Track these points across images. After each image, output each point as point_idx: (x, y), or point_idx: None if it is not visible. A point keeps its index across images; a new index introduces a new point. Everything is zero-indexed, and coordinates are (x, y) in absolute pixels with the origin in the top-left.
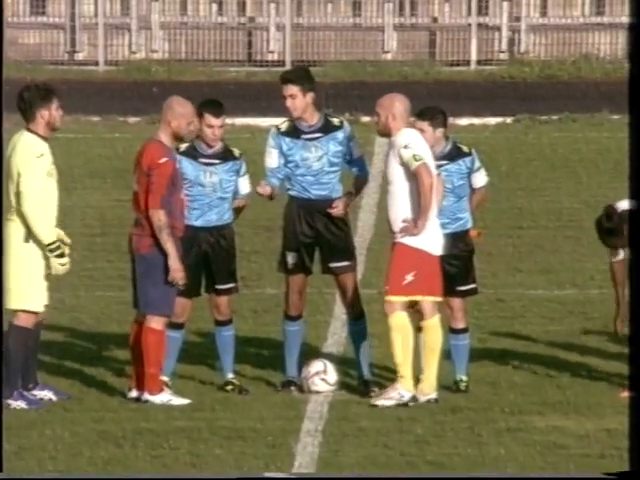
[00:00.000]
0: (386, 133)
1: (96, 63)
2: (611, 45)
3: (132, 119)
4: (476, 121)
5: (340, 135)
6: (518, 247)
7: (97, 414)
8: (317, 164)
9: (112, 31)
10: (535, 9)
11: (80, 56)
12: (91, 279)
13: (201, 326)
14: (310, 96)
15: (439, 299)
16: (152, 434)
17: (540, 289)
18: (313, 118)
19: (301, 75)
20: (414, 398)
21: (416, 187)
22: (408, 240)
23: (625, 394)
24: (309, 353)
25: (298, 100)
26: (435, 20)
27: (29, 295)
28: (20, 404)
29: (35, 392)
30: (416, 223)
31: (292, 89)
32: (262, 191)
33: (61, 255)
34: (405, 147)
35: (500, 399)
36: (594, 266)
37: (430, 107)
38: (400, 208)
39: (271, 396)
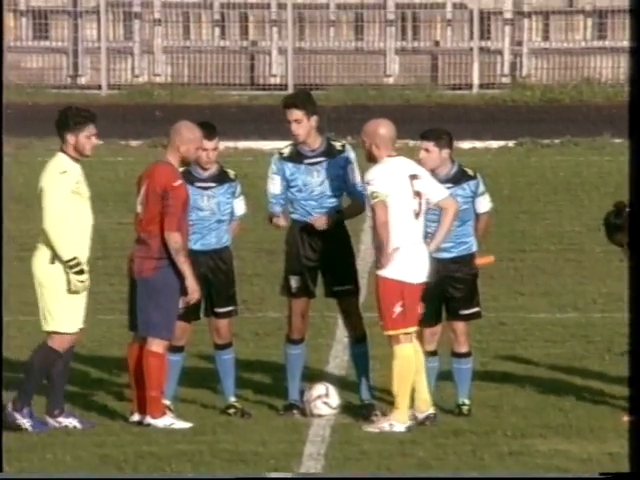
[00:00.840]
0: (372, 160)
1: (99, 87)
2: (613, 69)
3: (134, 142)
4: (478, 144)
5: (342, 159)
6: (520, 270)
7: (99, 438)
8: (319, 188)
9: (115, 55)
10: (537, 33)
11: (83, 80)
12: (92, 302)
13: (202, 349)
14: (314, 119)
15: (415, 328)
16: (154, 458)
17: (542, 312)
18: (316, 142)
19: (305, 99)
20: (409, 429)
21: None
22: (387, 272)
23: (627, 418)
24: (311, 376)
25: (303, 124)
26: (437, 44)
27: (61, 317)
28: (25, 423)
29: (60, 419)
30: (379, 260)
31: (297, 114)
32: (281, 223)
33: (80, 272)
34: (367, 183)
35: (502, 422)
36: (596, 289)
37: (435, 128)
38: (375, 239)
39: (273, 419)
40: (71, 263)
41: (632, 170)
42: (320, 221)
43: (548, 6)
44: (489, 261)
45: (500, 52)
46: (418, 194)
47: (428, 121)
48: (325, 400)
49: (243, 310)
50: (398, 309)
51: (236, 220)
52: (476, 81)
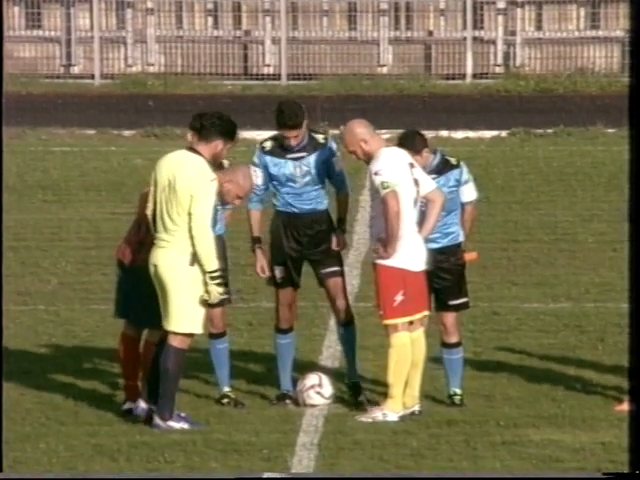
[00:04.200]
0: (370, 159)
1: (92, 76)
2: (606, 59)
3: (127, 132)
4: (471, 134)
5: (325, 152)
6: (513, 260)
7: (92, 428)
8: (302, 181)
9: (108, 45)
10: (530, 23)
11: (76, 69)
12: (86, 292)
13: (195, 339)
14: (305, 124)
15: (426, 313)
16: (147, 447)
17: (535, 302)
18: None
19: (301, 116)
20: (402, 418)
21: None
22: (388, 261)
23: (620, 407)
24: (304, 366)
25: (300, 135)
26: (430, 34)
27: (190, 318)
28: (183, 426)
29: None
30: (385, 249)
31: (296, 132)
32: (260, 274)
33: (221, 284)
34: (376, 174)
35: (495, 412)
36: (589, 279)
37: (405, 135)
38: (377, 228)
39: (266, 409)
40: (215, 274)
41: (632, 162)
42: (341, 246)
43: None
44: (473, 257)
45: (493, 42)
46: (416, 182)
47: (422, 111)
48: (318, 390)
49: (237, 300)
50: (399, 297)
51: (228, 209)
52: (469, 71)
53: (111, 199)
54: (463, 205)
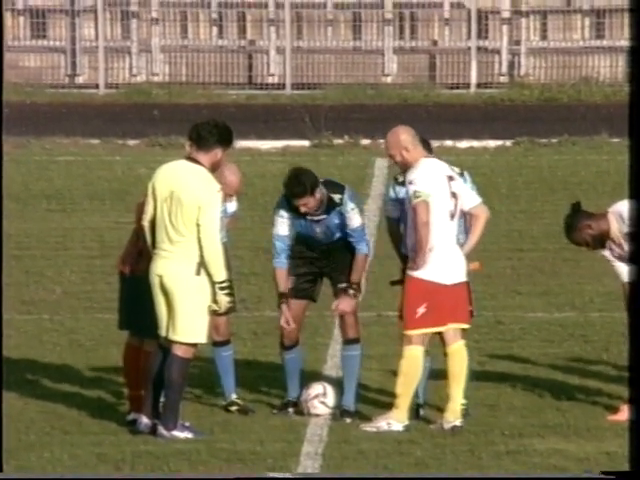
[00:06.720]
0: (408, 167)
1: (96, 86)
2: (611, 68)
3: (132, 142)
4: (476, 144)
5: (341, 210)
6: (517, 270)
7: (96, 437)
8: (322, 236)
9: (112, 54)
10: (535, 32)
11: (80, 79)
12: (90, 301)
13: (200, 348)
14: (318, 191)
15: (464, 326)
16: (151, 457)
17: (539, 312)
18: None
19: (307, 185)
20: (406, 427)
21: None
22: (417, 273)
23: (613, 417)
24: (308, 376)
25: (310, 203)
26: (435, 43)
27: (196, 328)
28: (187, 435)
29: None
30: (415, 260)
31: (303, 200)
32: (284, 325)
33: (230, 294)
34: (410, 183)
35: (500, 422)
36: (593, 289)
37: None
38: (412, 240)
39: (271, 419)
40: (224, 284)
41: (632, 170)
42: (345, 305)
43: (546, 5)
44: (475, 267)
45: (498, 51)
46: (454, 195)
47: (426, 120)
48: (322, 399)
49: (241, 309)
50: (422, 310)
51: (228, 217)
52: (474, 80)
53: (115, 208)
54: (465, 213)
